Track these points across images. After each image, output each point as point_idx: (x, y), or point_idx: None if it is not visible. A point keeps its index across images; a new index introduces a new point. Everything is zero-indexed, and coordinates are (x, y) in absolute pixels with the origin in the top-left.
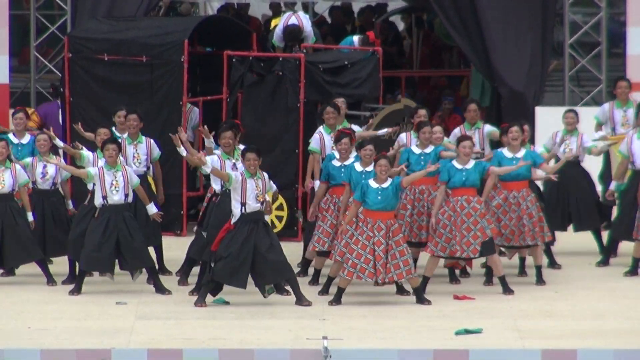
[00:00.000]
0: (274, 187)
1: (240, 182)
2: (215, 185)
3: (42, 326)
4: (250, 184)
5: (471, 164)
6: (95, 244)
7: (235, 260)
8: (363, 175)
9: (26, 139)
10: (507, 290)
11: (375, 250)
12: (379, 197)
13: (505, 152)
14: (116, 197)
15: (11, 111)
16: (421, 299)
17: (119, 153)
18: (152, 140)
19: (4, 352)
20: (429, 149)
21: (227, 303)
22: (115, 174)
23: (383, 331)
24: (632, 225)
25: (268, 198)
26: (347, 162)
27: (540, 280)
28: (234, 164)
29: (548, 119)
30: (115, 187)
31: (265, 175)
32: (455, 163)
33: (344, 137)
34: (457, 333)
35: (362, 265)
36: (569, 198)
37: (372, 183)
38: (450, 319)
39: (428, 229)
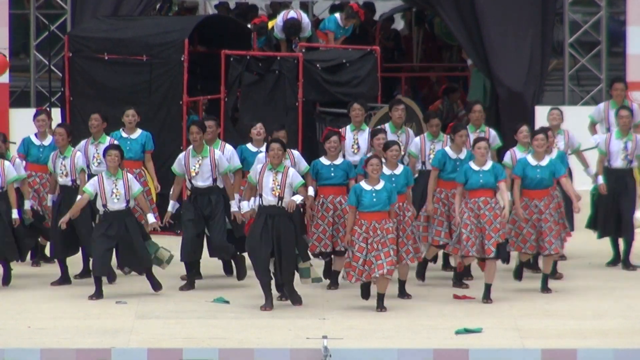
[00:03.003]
0: (300, 179)
1: (258, 172)
2: None
3: (42, 326)
4: (267, 177)
5: (488, 165)
6: (100, 252)
7: (258, 251)
8: (393, 179)
9: (48, 140)
10: (487, 297)
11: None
12: (374, 200)
13: (530, 159)
14: (116, 206)
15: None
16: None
17: (121, 159)
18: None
19: (4, 352)
20: (463, 154)
21: (227, 302)
22: (116, 182)
23: (383, 331)
24: (616, 221)
25: (301, 194)
26: (336, 162)
27: (545, 288)
28: (198, 160)
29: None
30: (116, 196)
31: (291, 170)
32: (472, 165)
33: (333, 135)
34: (457, 332)
35: (354, 264)
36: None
37: (365, 185)
38: (450, 319)
39: (450, 233)
